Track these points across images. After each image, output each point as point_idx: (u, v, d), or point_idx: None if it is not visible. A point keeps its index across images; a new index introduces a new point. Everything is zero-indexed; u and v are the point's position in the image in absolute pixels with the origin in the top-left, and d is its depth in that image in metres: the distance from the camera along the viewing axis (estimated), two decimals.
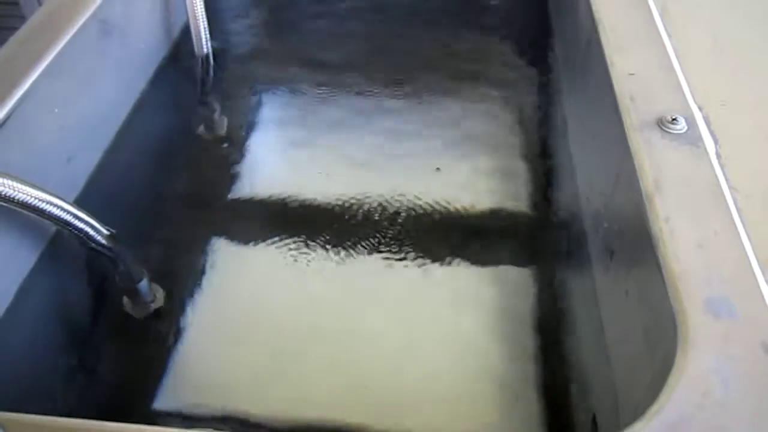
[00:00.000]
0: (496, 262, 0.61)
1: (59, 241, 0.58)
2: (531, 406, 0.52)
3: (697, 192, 0.43)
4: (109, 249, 0.55)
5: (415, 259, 0.62)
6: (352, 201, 0.67)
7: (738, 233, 0.40)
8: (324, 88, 0.81)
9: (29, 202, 0.47)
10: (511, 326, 0.56)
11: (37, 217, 0.49)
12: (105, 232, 0.54)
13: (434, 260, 0.62)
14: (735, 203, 0.42)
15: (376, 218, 0.65)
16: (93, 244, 0.54)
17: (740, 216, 0.41)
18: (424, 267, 0.61)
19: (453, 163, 0.71)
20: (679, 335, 0.35)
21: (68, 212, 0.50)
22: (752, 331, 0.35)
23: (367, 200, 0.67)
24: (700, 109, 0.49)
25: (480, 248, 0.63)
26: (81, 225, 0.52)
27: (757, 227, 0.40)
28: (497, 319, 0.57)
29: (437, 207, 0.66)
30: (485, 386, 0.53)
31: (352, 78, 0.82)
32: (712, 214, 0.41)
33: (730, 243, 0.39)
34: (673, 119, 0.47)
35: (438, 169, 0.70)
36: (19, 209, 0.47)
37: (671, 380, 0.33)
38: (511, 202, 0.67)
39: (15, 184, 0.46)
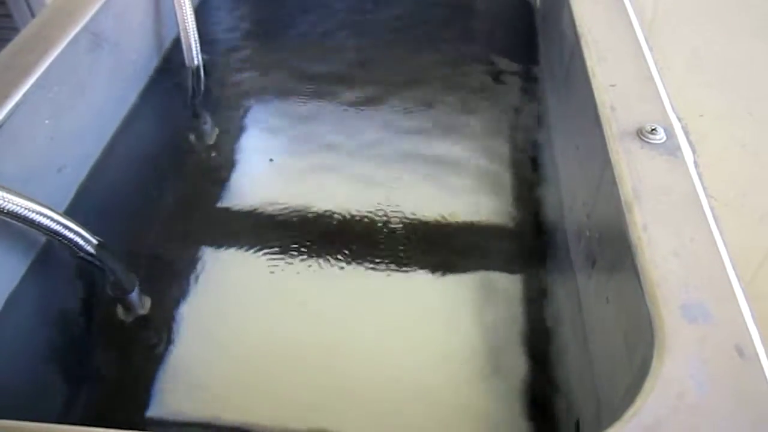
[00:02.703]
0: (482, 272, 0.62)
1: (49, 252, 0.58)
2: (518, 413, 0.52)
3: (675, 200, 0.44)
4: (99, 259, 0.55)
5: (402, 269, 0.62)
6: (341, 211, 0.68)
7: (714, 240, 0.41)
8: (314, 99, 0.82)
9: (18, 212, 0.48)
10: (497, 335, 0.57)
11: (27, 228, 0.49)
12: (94, 241, 0.54)
13: (421, 270, 0.62)
14: (712, 211, 0.43)
15: (364, 228, 0.66)
16: (83, 254, 0.54)
17: (717, 223, 0.42)
18: (410, 276, 0.62)
19: (439, 173, 0.72)
20: (655, 340, 0.36)
21: (58, 222, 0.51)
22: (726, 335, 0.36)
23: (355, 211, 0.68)
24: (679, 119, 0.50)
25: (466, 258, 0.63)
26: (71, 235, 0.52)
27: (733, 234, 0.41)
28: (483, 327, 0.57)
29: (424, 217, 0.67)
30: (472, 393, 0.53)
31: (342, 89, 0.83)
32: (689, 221, 0.42)
33: (706, 250, 0.40)
34: (653, 129, 0.48)
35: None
36: (9, 219, 0.48)
37: (647, 384, 0.34)
38: (497, 212, 0.67)
39: (4, 194, 0.47)
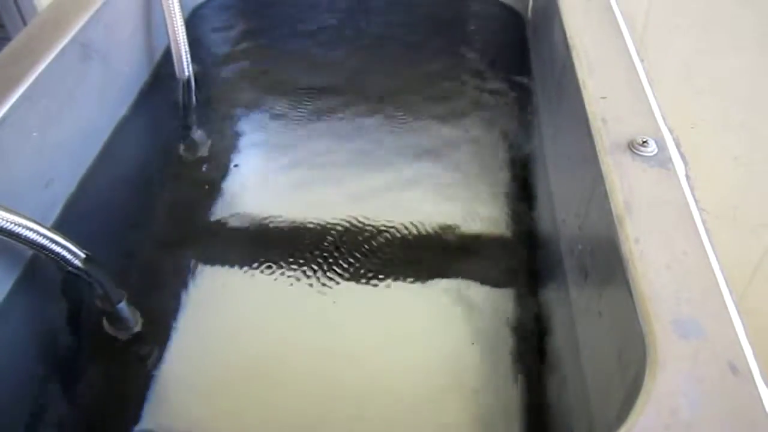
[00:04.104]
0: (476, 284, 0.62)
1: (36, 266, 0.57)
2: (510, 426, 0.52)
3: (667, 213, 0.43)
4: (87, 272, 0.54)
5: (396, 281, 0.62)
6: (334, 223, 0.67)
7: (706, 254, 0.41)
8: (305, 111, 0.82)
9: (4, 226, 0.47)
10: (490, 347, 0.56)
11: (13, 242, 0.49)
12: (82, 255, 0.54)
13: (414, 282, 0.62)
14: (704, 224, 0.43)
15: (358, 241, 0.66)
16: (70, 268, 0.54)
17: (708, 237, 0.42)
18: (404, 289, 0.61)
19: (434, 186, 0.71)
20: (647, 356, 0.35)
21: (44, 236, 0.50)
22: (719, 352, 0.35)
23: (348, 223, 0.67)
24: (671, 131, 0.50)
25: (460, 270, 0.63)
26: (57, 249, 0.51)
27: (725, 247, 0.41)
28: (477, 340, 0.57)
29: (417, 230, 0.67)
30: (464, 406, 0.53)
31: (334, 102, 0.83)
32: (681, 235, 0.42)
33: (698, 263, 0.40)
34: (644, 142, 0.48)
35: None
36: None
37: (640, 401, 0.33)
38: (490, 223, 0.67)
39: None
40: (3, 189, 0.54)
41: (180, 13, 0.75)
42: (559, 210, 0.61)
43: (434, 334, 0.58)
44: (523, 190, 0.71)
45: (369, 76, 0.87)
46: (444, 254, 0.65)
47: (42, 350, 0.57)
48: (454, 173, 0.73)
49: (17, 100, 0.55)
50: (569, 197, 0.58)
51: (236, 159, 0.76)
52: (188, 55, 0.78)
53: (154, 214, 0.69)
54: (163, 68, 0.82)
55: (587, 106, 0.52)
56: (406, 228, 0.67)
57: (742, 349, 0.35)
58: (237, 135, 0.79)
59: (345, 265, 0.63)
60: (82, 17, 0.66)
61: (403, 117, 0.80)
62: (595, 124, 0.51)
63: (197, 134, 0.79)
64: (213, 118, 0.81)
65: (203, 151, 0.77)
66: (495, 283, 0.62)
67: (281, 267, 0.63)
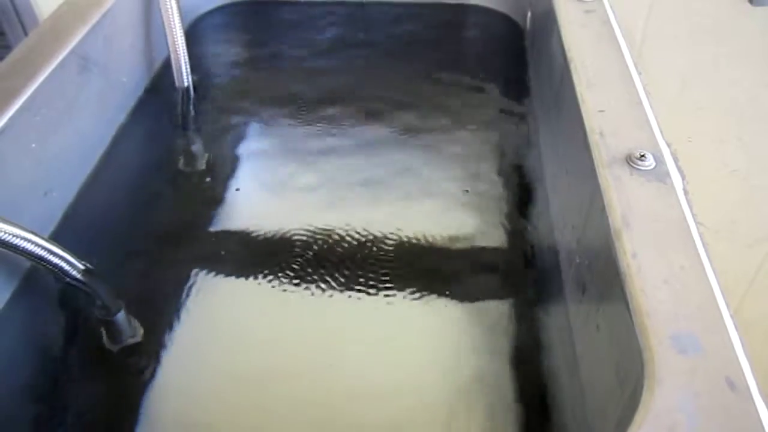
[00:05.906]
0: (473, 297, 0.62)
1: (34, 277, 0.57)
2: None
3: (665, 227, 0.43)
4: (85, 283, 0.54)
5: (393, 293, 0.62)
6: (334, 235, 0.67)
7: (704, 268, 0.41)
8: (304, 121, 0.82)
9: (1, 237, 0.47)
10: (486, 359, 0.56)
11: (11, 253, 0.49)
12: (80, 266, 0.54)
13: (413, 296, 0.62)
14: (701, 238, 0.43)
15: (357, 253, 0.66)
16: (69, 279, 0.54)
17: (706, 251, 0.42)
18: (403, 303, 0.61)
19: (427, 197, 0.71)
20: (645, 371, 0.35)
21: (42, 247, 0.50)
22: (717, 367, 0.35)
23: (348, 234, 0.67)
24: (668, 145, 0.50)
25: (458, 283, 0.63)
26: (56, 260, 0.51)
27: (723, 262, 0.41)
28: (472, 352, 0.57)
29: (416, 242, 0.67)
30: (461, 420, 0.53)
31: (332, 112, 0.83)
32: (678, 249, 0.42)
33: (696, 278, 0.40)
34: (642, 155, 0.48)
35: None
36: None
37: (638, 417, 0.33)
38: (487, 236, 0.67)
39: None
40: (1, 199, 0.54)
41: (180, 24, 0.76)
42: (557, 221, 0.61)
43: (430, 345, 0.58)
44: (520, 202, 0.71)
45: (366, 87, 0.87)
46: (441, 266, 0.65)
47: (39, 361, 0.56)
48: (448, 184, 0.73)
49: (16, 111, 0.56)
50: (567, 209, 0.58)
51: (235, 169, 0.76)
52: (188, 66, 0.78)
53: (153, 224, 0.69)
54: (162, 78, 0.82)
55: (585, 120, 0.53)
56: (404, 240, 0.67)
57: (740, 365, 0.35)
58: (236, 144, 0.79)
59: (344, 278, 0.63)
60: (81, 29, 0.66)
61: (401, 129, 0.81)
62: (593, 137, 0.51)
63: (196, 143, 0.79)
64: (212, 127, 0.81)
65: (202, 162, 0.77)
66: (492, 296, 0.62)
67: (280, 278, 0.63)
